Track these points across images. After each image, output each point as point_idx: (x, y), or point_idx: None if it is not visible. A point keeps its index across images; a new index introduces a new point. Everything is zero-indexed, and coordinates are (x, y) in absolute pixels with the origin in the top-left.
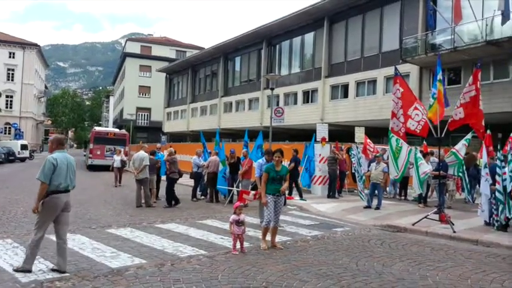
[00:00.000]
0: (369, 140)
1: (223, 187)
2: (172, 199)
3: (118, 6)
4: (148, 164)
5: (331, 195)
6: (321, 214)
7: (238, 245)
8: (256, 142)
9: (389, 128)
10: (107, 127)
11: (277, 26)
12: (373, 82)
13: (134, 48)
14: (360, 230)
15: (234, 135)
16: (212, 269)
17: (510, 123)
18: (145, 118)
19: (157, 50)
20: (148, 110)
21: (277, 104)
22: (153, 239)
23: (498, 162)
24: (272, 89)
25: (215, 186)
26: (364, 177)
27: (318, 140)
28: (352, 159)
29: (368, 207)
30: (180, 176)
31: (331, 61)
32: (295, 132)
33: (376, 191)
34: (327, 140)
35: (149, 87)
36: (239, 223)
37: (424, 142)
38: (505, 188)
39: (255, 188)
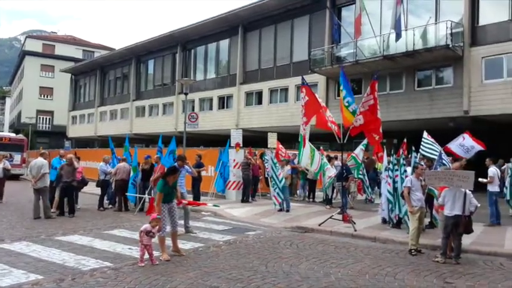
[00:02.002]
0: (281, 146)
1: (132, 194)
2: (63, 207)
3: (17, 0)
4: (47, 172)
5: (245, 199)
6: (235, 219)
7: (146, 256)
8: (169, 147)
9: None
10: (2, 131)
11: (193, 31)
12: (285, 90)
13: (35, 46)
14: (271, 232)
15: (147, 140)
16: (117, 282)
17: (404, 130)
18: (47, 122)
19: (61, 49)
20: (51, 113)
21: (193, 109)
22: (52, 253)
23: (391, 165)
24: (186, 94)
25: (124, 194)
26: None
27: (232, 145)
28: (266, 164)
29: (280, 210)
30: (85, 184)
31: (245, 68)
32: (210, 138)
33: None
34: (241, 145)
35: (52, 88)
36: (150, 233)
37: (321, 147)
38: (396, 189)
39: None
